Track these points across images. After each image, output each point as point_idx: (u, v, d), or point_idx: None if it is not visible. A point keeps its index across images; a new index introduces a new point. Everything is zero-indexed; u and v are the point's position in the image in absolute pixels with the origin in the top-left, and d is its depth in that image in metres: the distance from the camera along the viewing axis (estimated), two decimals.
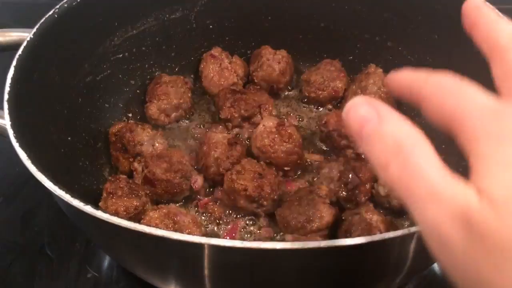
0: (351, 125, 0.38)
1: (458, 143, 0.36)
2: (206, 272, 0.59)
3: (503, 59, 0.38)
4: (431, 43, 0.89)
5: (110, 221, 0.53)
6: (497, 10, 0.46)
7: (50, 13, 0.78)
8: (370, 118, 0.36)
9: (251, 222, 0.83)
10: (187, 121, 0.98)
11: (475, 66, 0.82)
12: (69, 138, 0.82)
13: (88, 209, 0.54)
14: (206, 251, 0.54)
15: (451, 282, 0.34)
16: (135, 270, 0.72)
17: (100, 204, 0.78)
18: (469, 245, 0.31)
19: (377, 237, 0.53)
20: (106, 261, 0.82)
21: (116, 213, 0.76)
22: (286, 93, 1.02)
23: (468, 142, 0.34)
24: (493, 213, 0.31)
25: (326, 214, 0.77)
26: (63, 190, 0.56)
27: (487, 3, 0.46)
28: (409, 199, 0.34)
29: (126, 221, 0.53)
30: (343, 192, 0.81)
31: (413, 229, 0.53)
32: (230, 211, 0.84)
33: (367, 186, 0.82)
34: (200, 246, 0.52)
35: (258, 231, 0.81)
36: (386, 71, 0.95)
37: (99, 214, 0.54)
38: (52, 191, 0.57)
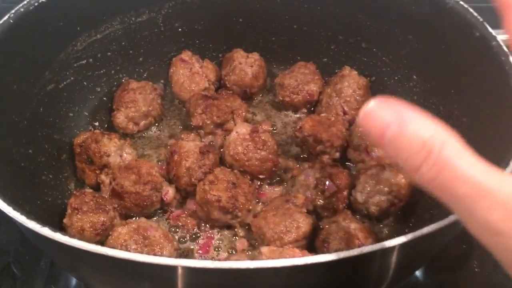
0: (371, 131, 0.35)
1: None
2: None
3: None
4: (405, 43, 0.87)
5: (70, 244, 0.49)
6: None
7: (5, 18, 0.73)
8: (391, 121, 0.34)
9: (226, 234, 0.79)
10: (157, 129, 0.94)
11: (450, 66, 0.81)
12: (30, 151, 0.77)
13: (46, 231, 0.50)
14: (176, 272, 0.50)
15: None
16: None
17: (64, 220, 0.74)
18: None
19: (356, 251, 0.50)
20: (73, 280, 0.77)
21: (82, 230, 0.72)
22: (260, 97, 0.99)
23: None
24: None
25: (303, 224, 0.74)
26: (18, 211, 0.52)
27: None
28: (452, 199, 0.33)
29: (87, 244, 0.49)
30: (320, 200, 0.78)
31: (393, 241, 0.51)
32: (204, 223, 0.80)
33: (345, 193, 0.79)
34: (167, 268, 0.48)
35: (233, 244, 0.78)
36: (361, 72, 0.93)
37: (57, 237, 0.50)
38: (6, 212, 0.52)
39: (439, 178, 0.33)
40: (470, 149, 0.33)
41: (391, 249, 0.51)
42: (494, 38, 0.71)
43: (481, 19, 0.74)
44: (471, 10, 0.75)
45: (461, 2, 0.77)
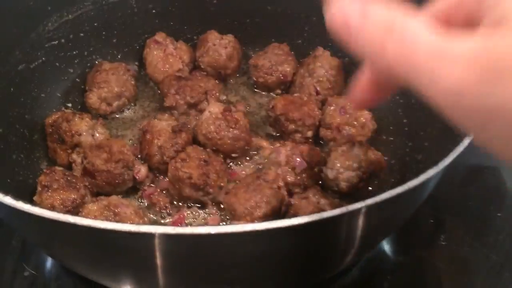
0: (337, 28, 0.36)
1: None
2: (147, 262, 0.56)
3: None
4: None
5: (40, 215, 0.49)
6: None
7: None
8: (354, 11, 0.35)
9: (198, 211, 0.80)
10: (131, 110, 0.94)
11: None
12: (0, 131, 0.77)
13: (19, 204, 0.50)
14: (150, 240, 0.50)
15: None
16: (76, 268, 0.68)
17: (34, 198, 0.74)
18: (483, 83, 0.30)
19: (318, 215, 0.51)
20: (46, 259, 0.77)
21: (52, 207, 0.72)
22: (235, 78, 1.00)
23: None
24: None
25: (273, 199, 0.75)
26: None
27: None
28: (415, 72, 0.32)
29: (57, 213, 0.49)
30: (291, 177, 0.79)
31: (358, 204, 0.52)
32: (176, 201, 0.80)
33: (315, 169, 0.81)
34: (137, 236, 0.49)
35: (205, 221, 0.78)
36: (334, 53, 0.94)
37: (27, 208, 0.50)
38: None
39: (403, 51, 0.33)
40: (437, 23, 0.33)
41: (357, 212, 0.52)
42: None
43: None
44: None
45: None
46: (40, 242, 0.69)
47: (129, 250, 0.55)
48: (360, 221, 0.56)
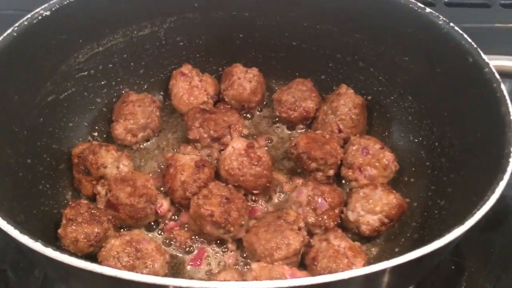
0: None
1: None
2: None
3: None
4: (401, 64, 0.89)
5: (59, 259, 0.51)
6: None
7: (9, 31, 0.75)
8: None
9: (217, 248, 0.80)
10: (155, 141, 0.95)
11: (443, 89, 0.82)
12: (28, 161, 0.79)
13: (37, 246, 0.52)
14: None
15: None
16: None
17: (59, 231, 0.75)
18: None
19: (340, 275, 0.51)
20: None
21: (76, 241, 0.73)
22: (258, 112, 1.01)
23: None
24: None
25: (294, 241, 0.75)
26: (11, 225, 0.54)
27: None
28: None
29: (76, 259, 0.50)
30: (312, 218, 0.79)
31: (380, 265, 0.52)
32: (197, 237, 0.81)
33: (336, 211, 0.81)
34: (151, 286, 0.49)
35: (224, 258, 0.79)
36: (357, 91, 0.94)
37: (48, 252, 0.51)
38: (0, 226, 0.54)
39: None
40: None
41: (382, 272, 0.52)
42: (487, 64, 0.73)
43: (475, 45, 0.75)
44: (465, 36, 0.77)
45: (456, 28, 0.78)
46: (57, 277, 0.71)
47: None
48: (385, 277, 0.56)
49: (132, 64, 0.96)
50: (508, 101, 0.68)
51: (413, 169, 0.88)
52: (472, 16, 1.27)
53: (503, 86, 0.69)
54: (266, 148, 0.94)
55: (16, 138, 0.77)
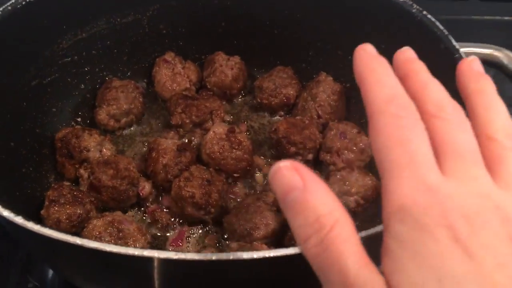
0: (276, 190, 0.36)
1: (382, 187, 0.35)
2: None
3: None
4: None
5: (41, 233, 0.52)
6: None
7: None
8: (295, 186, 0.35)
9: (198, 229, 0.82)
10: (137, 127, 0.97)
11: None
12: (11, 144, 0.80)
13: (19, 220, 0.53)
14: (149, 263, 0.53)
15: None
16: (77, 281, 0.71)
17: (42, 212, 0.76)
18: None
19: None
20: (49, 272, 0.80)
21: (58, 222, 0.75)
22: (239, 99, 1.03)
23: (388, 216, 0.34)
24: None
25: (272, 221, 0.77)
26: None
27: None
28: (323, 278, 0.34)
29: (58, 233, 0.52)
30: None
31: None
32: (178, 219, 0.83)
33: None
34: (137, 259, 0.51)
35: (205, 239, 0.81)
36: (336, 78, 0.97)
37: (30, 225, 0.53)
38: None
39: (320, 257, 0.33)
40: (358, 237, 0.34)
41: None
42: (458, 50, 0.75)
43: (446, 33, 0.78)
44: (438, 23, 0.79)
45: (429, 16, 0.81)
46: (44, 257, 0.72)
47: (129, 269, 0.57)
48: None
49: (115, 51, 0.97)
50: None
51: None
52: (451, 9, 1.31)
53: None
54: (248, 133, 0.96)
55: (1, 123, 0.78)
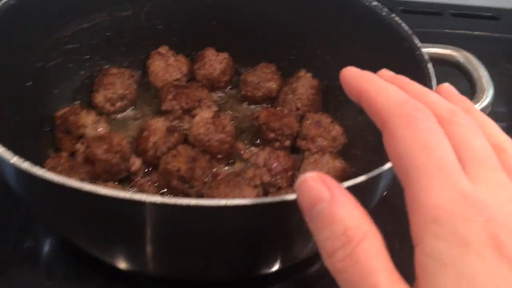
0: (302, 201, 0.35)
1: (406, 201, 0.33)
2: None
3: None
4: (353, 52, 1.01)
5: (42, 176, 0.60)
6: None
7: (4, 0, 0.85)
8: (322, 198, 0.34)
9: None
10: (131, 112, 1.05)
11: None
12: (17, 117, 0.88)
13: (26, 165, 0.61)
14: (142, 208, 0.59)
15: None
16: (72, 238, 0.78)
17: None
18: None
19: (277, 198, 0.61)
20: (46, 232, 0.87)
21: None
22: (226, 91, 1.12)
23: (419, 236, 0.31)
24: None
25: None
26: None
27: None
28: None
29: (53, 175, 0.59)
30: (267, 177, 0.90)
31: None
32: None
33: (289, 173, 0.92)
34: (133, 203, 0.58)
35: None
36: (315, 76, 1.06)
37: (35, 171, 0.60)
38: None
39: (349, 272, 0.31)
40: (387, 252, 0.33)
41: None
42: (419, 48, 0.85)
43: (410, 33, 0.88)
44: (403, 25, 0.90)
45: (396, 18, 0.91)
46: (43, 213, 0.78)
47: (121, 217, 0.64)
48: None
49: (114, 42, 1.06)
50: (434, 78, 0.81)
51: (360, 143, 1.00)
52: (426, 22, 1.43)
53: (429, 65, 0.82)
54: (232, 122, 1.05)
55: (7, 97, 0.86)
